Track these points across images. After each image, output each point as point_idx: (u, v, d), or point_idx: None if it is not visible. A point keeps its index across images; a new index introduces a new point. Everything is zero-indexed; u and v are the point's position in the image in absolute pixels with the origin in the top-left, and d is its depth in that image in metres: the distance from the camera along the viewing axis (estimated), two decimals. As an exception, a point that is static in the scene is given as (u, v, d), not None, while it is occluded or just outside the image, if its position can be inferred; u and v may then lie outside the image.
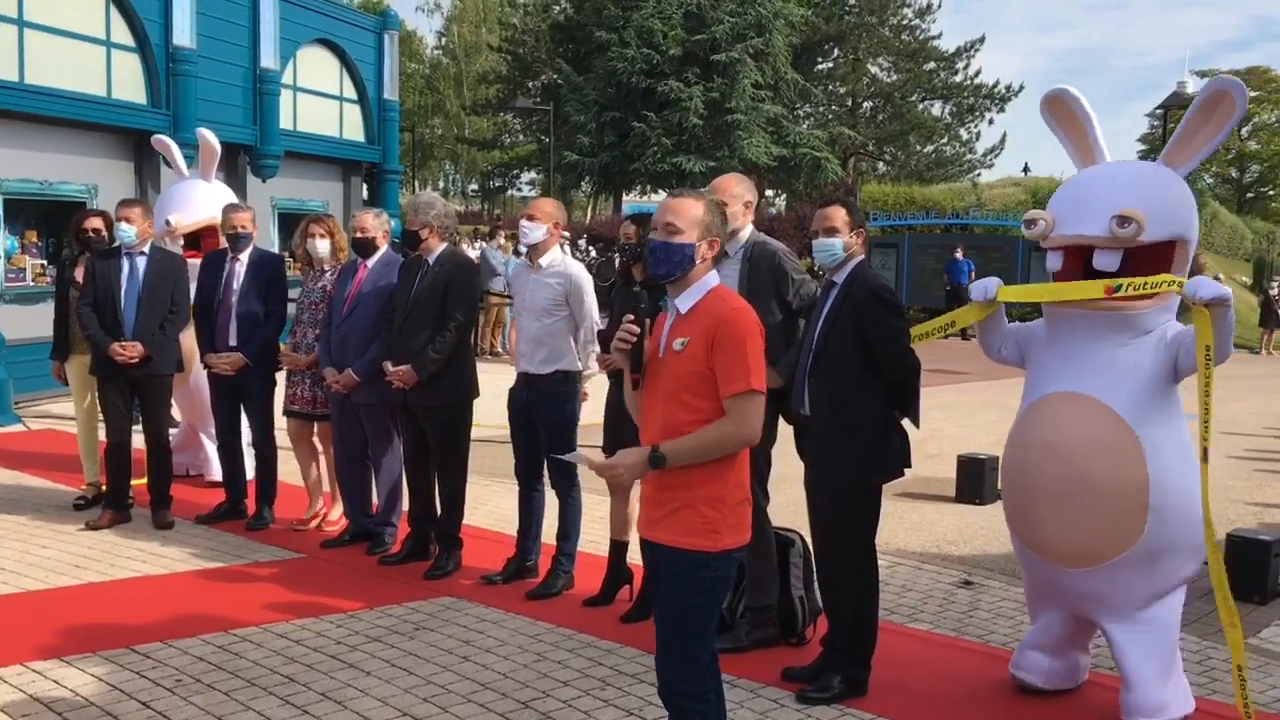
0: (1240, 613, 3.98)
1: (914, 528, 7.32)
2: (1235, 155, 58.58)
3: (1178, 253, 4.13)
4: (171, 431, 7.19)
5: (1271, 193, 60.06)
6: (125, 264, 6.56)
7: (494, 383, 6.72)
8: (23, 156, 11.39)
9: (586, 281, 5.53)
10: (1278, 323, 24.23)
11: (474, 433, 6.06)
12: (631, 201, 39.16)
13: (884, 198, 30.43)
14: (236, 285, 6.63)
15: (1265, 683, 4.65)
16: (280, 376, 6.79)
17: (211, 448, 7.54)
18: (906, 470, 4.45)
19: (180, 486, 7.16)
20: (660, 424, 3.19)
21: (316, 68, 16.34)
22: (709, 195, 3.37)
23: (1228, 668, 3.94)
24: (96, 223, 7.01)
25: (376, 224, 6.25)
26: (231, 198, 7.92)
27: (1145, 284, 3.98)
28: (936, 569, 6.35)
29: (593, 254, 24.65)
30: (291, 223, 13.34)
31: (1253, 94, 54.72)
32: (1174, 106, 21.66)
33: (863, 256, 4.44)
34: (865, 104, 44.93)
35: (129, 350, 6.41)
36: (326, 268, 6.57)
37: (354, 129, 17.29)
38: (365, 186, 18.23)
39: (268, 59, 14.72)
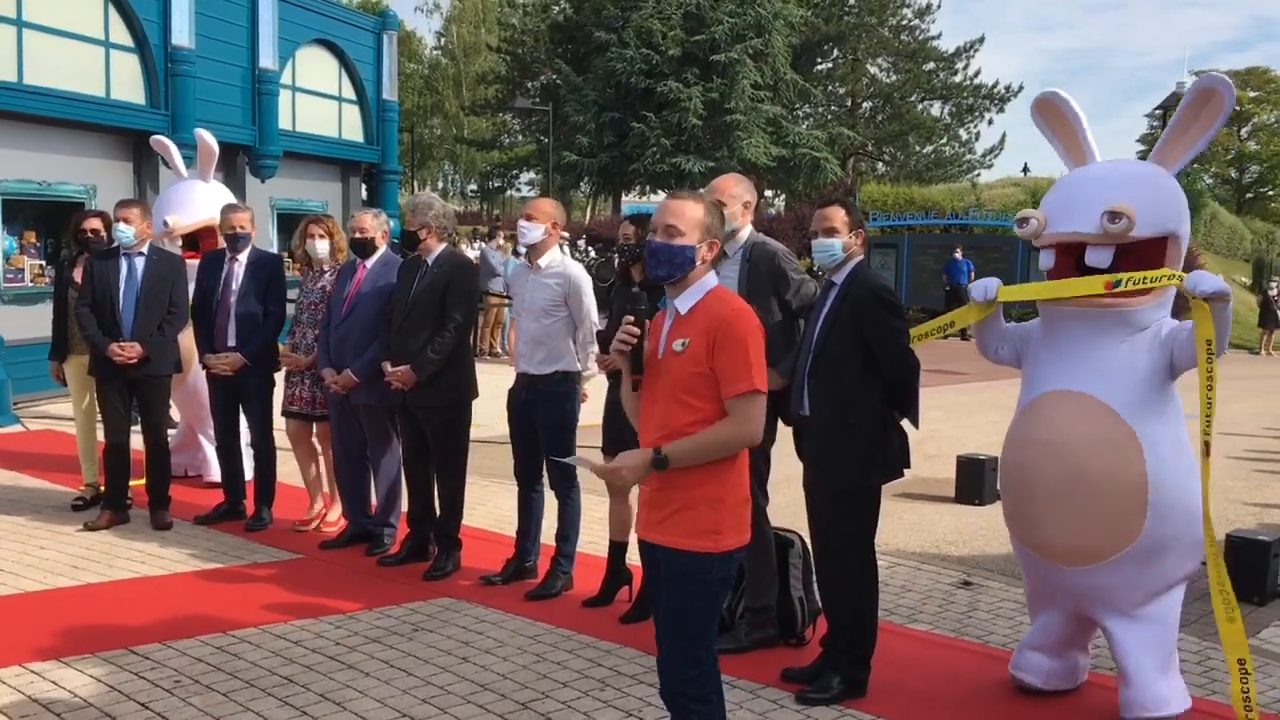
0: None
1: (913, 528, 7.32)
2: (1235, 156, 58.63)
3: (1170, 249, 4.14)
4: (170, 432, 7.18)
5: (1271, 193, 60.07)
6: (124, 264, 6.55)
7: (493, 383, 6.72)
8: (21, 157, 11.39)
9: (585, 282, 5.52)
10: (1277, 323, 24.23)
11: (473, 433, 6.06)
12: (630, 202, 39.14)
13: (883, 198, 30.42)
14: (235, 286, 6.62)
15: (1265, 683, 4.64)
16: (279, 377, 6.79)
17: (210, 448, 7.54)
18: (906, 471, 4.44)
19: (179, 487, 7.15)
20: (659, 425, 3.18)
21: (315, 68, 16.33)
22: (708, 196, 3.37)
23: (1227, 668, 3.92)
24: (95, 223, 7.00)
25: (375, 224, 6.24)
26: (230, 198, 7.92)
27: (1145, 278, 3.98)
28: (936, 569, 6.35)
29: (592, 254, 24.61)
30: (290, 223, 13.35)
31: (1252, 94, 54.82)
32: (1173, 107, 21.56)
33: (862, 257, 4.44)
34: (864, 104, 44.96)
35: (127, 351, 6.40)
36: (325, 268, 6.56)
37: (353, 129, 17.28)
38: (364, 187, 18.22)
39: (266, 59, 14.72)
